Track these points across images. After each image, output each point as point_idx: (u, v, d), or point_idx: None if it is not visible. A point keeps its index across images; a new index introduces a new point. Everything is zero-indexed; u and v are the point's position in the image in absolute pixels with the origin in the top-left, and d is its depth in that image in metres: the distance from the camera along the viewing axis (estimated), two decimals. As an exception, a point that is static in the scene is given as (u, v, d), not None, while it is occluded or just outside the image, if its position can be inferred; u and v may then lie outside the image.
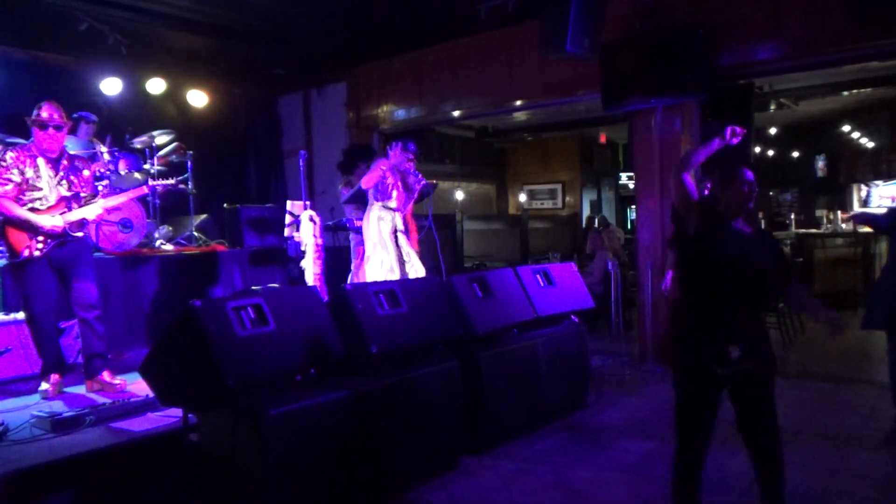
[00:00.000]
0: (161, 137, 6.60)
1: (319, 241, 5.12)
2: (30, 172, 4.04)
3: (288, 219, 5.57)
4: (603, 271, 7.12)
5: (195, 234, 6.56)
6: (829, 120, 11.56)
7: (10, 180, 3.97)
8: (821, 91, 8.67)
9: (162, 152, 6.59)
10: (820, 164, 12.80)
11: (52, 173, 4.12)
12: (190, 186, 6.48)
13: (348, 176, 5.88)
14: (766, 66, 5.63)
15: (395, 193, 5.06)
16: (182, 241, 6.45)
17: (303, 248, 5.07)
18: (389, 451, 3.24)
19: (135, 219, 5.73)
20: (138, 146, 6.52)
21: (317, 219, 5.15)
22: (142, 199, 5.99)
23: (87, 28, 6.14)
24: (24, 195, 4.03)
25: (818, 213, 11.88)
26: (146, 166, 6.37)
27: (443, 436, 3.58)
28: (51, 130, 4.06)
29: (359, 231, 5.38)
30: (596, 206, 13.40)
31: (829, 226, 11.02)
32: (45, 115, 4.04)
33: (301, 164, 5.56)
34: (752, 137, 6.37)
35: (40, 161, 4.09)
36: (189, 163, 6.49)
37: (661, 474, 3.53)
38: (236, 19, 6.62)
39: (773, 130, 11.92)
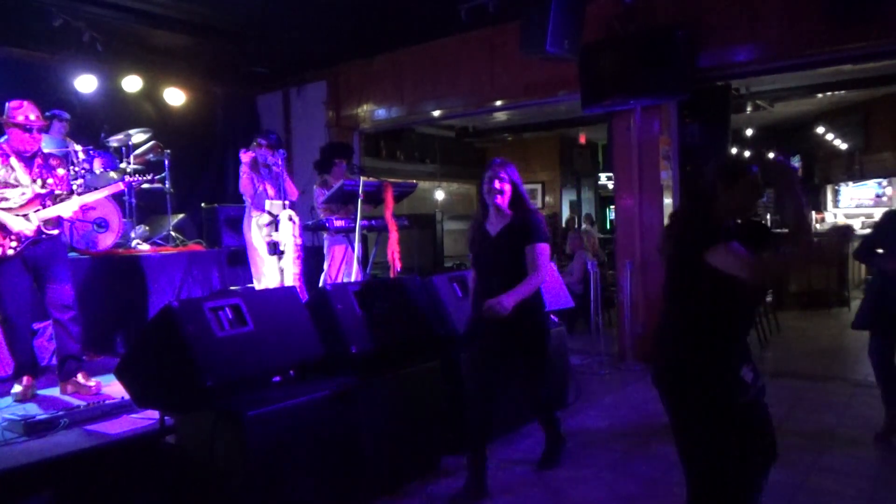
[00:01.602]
0: (137, 136, 6.51)
1: (299, 242, 5.08)
2: (1, 171, 3.97)
3: (266, 219, 5.51)
4: (582, 271, 7.16)
5: (172, 233, 6.48)
6: (803, 122, 11.77)
7: None
8: (796, 93, 8.82)
9: (138, 151, 6.50)
10: (795, 164, 13.01)
11: (26, 172, 4.05)
12: (167, 185, 6.40)
13: (324, 175, 5.84)
14: (743, 68, 5.71)
15: (266, 191, 5.26)
16: (159, 241, 6.37)
17: (282, 248, 5.03)
18: (369, 451, 3.23)
19: (110, 218, 5.65)
20: (114, 145, 6.43)
21: (296, 218, 5.11)
22: (118, 199, 5.91)
23: (62, 24, 6.03)
24: None
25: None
26: (122, 165, 6.28)
27: (423, 435, 3.58)
28: (33, 133, 4.00)
29: (338, 231, 5.35)
30: (576, 207, 13.48)
31: (804, 226, 11.18)
32: (21, 118, 3.97)
33: (280, 163, 5.51)
34: (729, 138, 6.45)
35: (13, 160, 4.02)
36: (166, 161, 6.41)
37: (639, 471, 3.57)
38: (214, 17, 6.55)
39: (749, 132, 12.10)
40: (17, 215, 3.97)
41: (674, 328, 2.31)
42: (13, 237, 3.96)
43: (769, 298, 7.21)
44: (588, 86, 5.94)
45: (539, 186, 13.18)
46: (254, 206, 5.35)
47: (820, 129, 11.77)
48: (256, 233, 5.33)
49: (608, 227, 13.10)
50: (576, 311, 5.99)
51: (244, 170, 5.35)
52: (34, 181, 4.07)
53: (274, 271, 5.06)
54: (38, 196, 4.06)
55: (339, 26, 6.93)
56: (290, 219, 5.05)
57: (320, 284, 5.67)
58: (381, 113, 8.02)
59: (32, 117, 4.00)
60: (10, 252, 3.96)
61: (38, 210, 4.03)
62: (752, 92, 8.50)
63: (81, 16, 6.11)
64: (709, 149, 6.15)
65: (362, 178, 5.03)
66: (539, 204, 13.12)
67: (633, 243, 6.12)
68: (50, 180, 4.13)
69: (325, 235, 5.64)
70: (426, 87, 7.54)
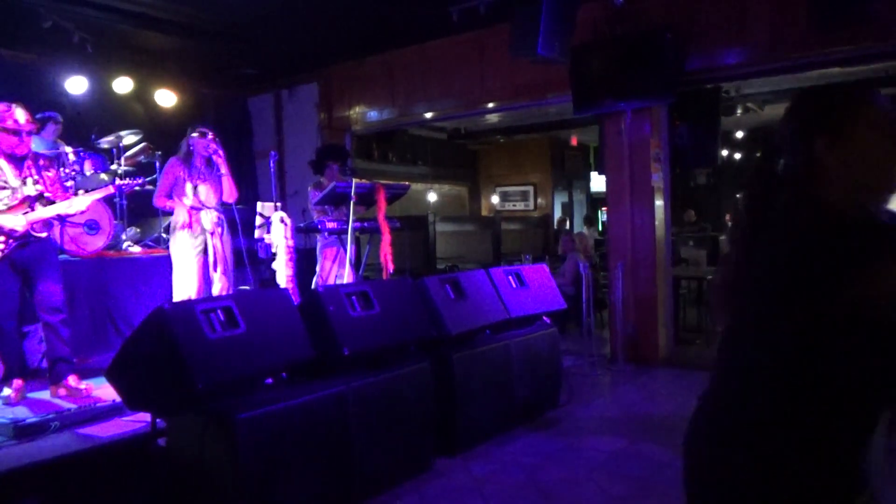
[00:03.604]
0: (128, 138, 6.49)
1: (291, 243, 5.08)
2: None
3: (258, 220, 5.51)
4: (574, 272, 7.19)
5: (163, 235, 6.45)
6: (793, 124, 11.82)
7: None
8: (786, 96, 8.88)
9: (129, 153, 6.48)
10: (785, 167, 13.08)
11: (15, 173, 4.03)
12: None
13: (319, 176, 5.85)
14: (732, 71, 5.75)
15: (193, 189, 4.89)
16: (150, 243, 6.35)
17: (274, 250, 5.03)
18: (362, 454, 3.23)
19: (101, 220, 5.62)
20: (105, 146, 6.40)
21: (288, 220, 5.10)
22: (109, 201, 5.88)
23: (52, 25, 6.00)
24: None
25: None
26: (113, 167, 6.26)
27: (415, 437, 3.58)
28: (23, 137, 3.98)
29: (330, 233, 5.35)
30: (567, 208, 13.52)
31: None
32: (10, 122, 3.94)
33: (272, 165, 5.52)
34: (719, 141, 6.49)
35: (2, 162, 4.00)
36: (157, 163, 6.39)
37: (631, 473, 3.59)
38: (205, 18, 6.53)
39: (739, 134, 12.17)
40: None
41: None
42: (1, 239, 3.94)
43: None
44: (579, 88, 5.98)
45: (531, 188, 13.22)
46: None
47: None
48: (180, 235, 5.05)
49: (600, 228, 13.16)
50: (568, 312, 6.01)
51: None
52: (24, 183, 4.05)
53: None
54: (27, 198, 4.04)
55: (331, 28, 6.93)
56: (282, 220, 5.05)
57: (312, 286, 5.67)
58: (372, 115, 8.02)
59: (22, 120, 3.98)
60: None
61: (26, 212, 4.02)
62: (743, 94, 8.56)
63: (71, 17, 6.08)
64: (699, 151, 6.20)
65: (354, 180, 5.03)
66: (531, 206, 13.16)
67: (624, 245, 6.15)
68: (39, 186, 4.11)
69: (318, 237, 5.64)
70: (418, 89, 7.55)
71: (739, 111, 9.28)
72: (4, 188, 3.98)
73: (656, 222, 6.04)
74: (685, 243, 9.46)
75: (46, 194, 4.12)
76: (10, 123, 3.94)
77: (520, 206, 13.32)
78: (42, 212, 4.06)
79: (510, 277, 4.64)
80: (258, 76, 8.47)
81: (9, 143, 3.98)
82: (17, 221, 3.97)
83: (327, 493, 3.07)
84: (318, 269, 5.67)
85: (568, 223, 12.47)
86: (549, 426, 4.40)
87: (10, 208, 3.99)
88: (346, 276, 5.29)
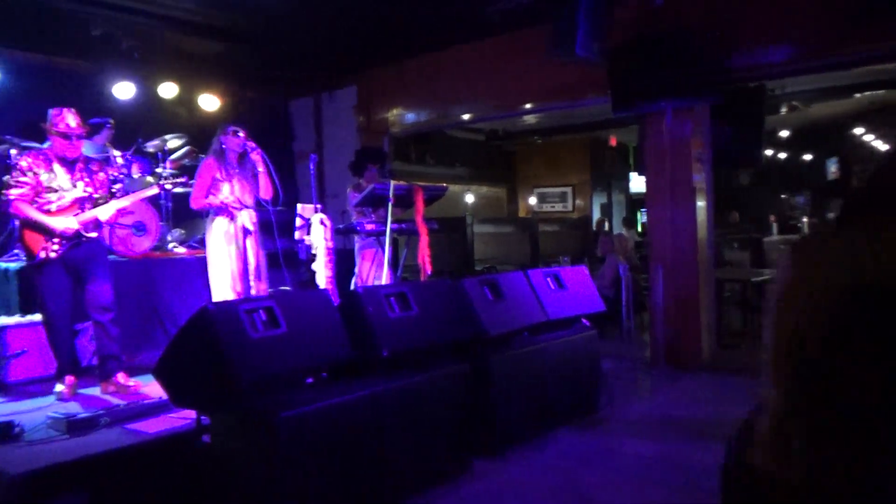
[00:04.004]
0: (173, 141, 6.66)
1: (330, 245, 5.14)
2: (44, 176, 4.10)
3: (298, 222, 5.60)
4: (613, 274, 7.11)
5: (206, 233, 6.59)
6: (842, 122, 11.50)
7: (25, 184, 4.04)
8: (833, 93, 8.63)
9: (174, 156, 6.65)
10: (832, 167, 12.72)
11: (67, 176, 4.18)
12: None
13: (358, 178, 5.91)
14: (776, 69, 5.61)
15: (227, 187, 4.87)
16: (194, 244, 6.50)
17: (313, 252, 5.10)
18: (400, 454, 3.25)
19: (148, 222, 5.79)
20: (151, 150, 6.58)
21: (327, 222, 5.17)
22: (154, 203, 6.05)
23: (101, 33, 6.21)
24: (39, 197, 4.09)
25: (830, 215, 11.81)
26: (158, 170, 6.42)
27: (453, 439, 3.59)
28: (73, 140, 4.12)
29: (369, 234, 5.40)
30: (606, 209, 13.38)
31: (842, 229, 10.93)
32: (62, 125, 4.09)
33: (312, 167, 5.59)
34: (764, 140, 6.35)
35: (56, 165, 4.15)
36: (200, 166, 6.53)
37: (671, 479, 3.53)
38: (247, 23, 6.67)
39: (784, 133, 11.88)
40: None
41: None
42: (54, 240, 4.09)
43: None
44: (618, 88, 5.91)
45: (569, 189, 13.12)
46: None
47: (858, 130, 11.51)
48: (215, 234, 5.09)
49: (640, 230, 12.98)
50: (607, 315, 5.95)
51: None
52: (74, 185, 4.19)
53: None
54: (77, 200, 4.18)
55: (370, 31, 7.00)
56: (322, 222, 5.11)
57: (351, 287, 5.73)
58: (410, 117, 8.07)
59: (73, 124, 4.13)
60: (52, 255, 4.09)
61: (77, 213, 4.15)
62: (788, 92, 8.35)
63: (120, 25, 6.28)
64: (742, 150, 6.07)
65: (392, 182, 5.06)
66: (569, 207, 13.05)
67: (665, 247, 6.05)
68: (90, 189, 4.25)
69: (356, 239, 5.69)
70: (455, 91, 7.57)
71: (784, 109, 9.06)
72: (56, 191, 4.13)
73: (698, 223, 5.93)
74: (728, 245, 9.28)
75: (96, 196, 4.26)
76: (62, 127, 4.09)
77: (558, 207, 13.23)
78: (91, 213, 4.19)
79: (548, 279, 4.62)
80: (298, 80, 8.60)
81: (61, 147, 4.13)
82: (69, 223, 4.11)
83: (365, 493, 3.10)
84: (356, 269, 5.73)
85: (607, 224, 12.34)
86: (587, 430, 4.36)
87: (62, 210, 4.13)
88: (385, 278, 5.33)
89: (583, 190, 13.07)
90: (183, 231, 6.66)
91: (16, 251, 5.46)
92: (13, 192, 4.02)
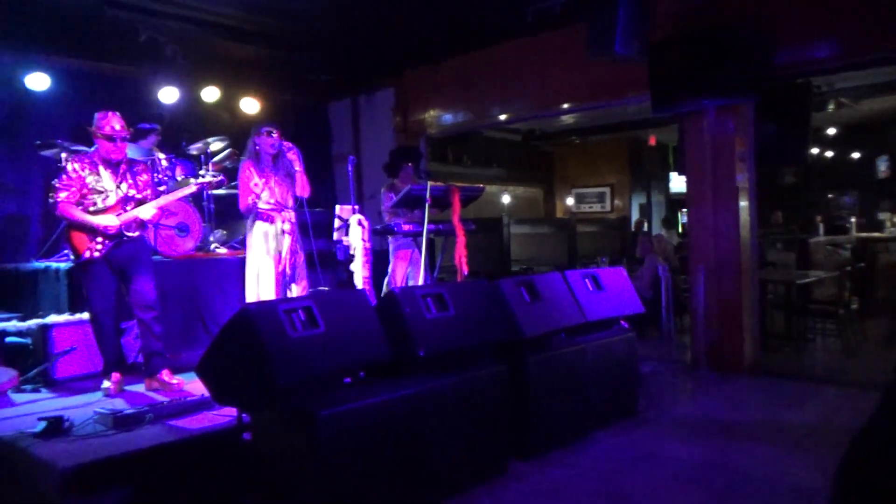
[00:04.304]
0: (215, 144, 6.80)
1: (368, 245, 5.18)
2: (91, 178, 4.23)
3: (336, 223, 5.65)
4: (653, 276, 7.00)
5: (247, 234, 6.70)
6: (892, 119, 11.11)
7: (70, 186, 4.17)
8: (883, 89, 8.35)
9: (216, 158, 6.79)
10: (882, 165, 12.30)
11: (112, 178, 4.29)
12: (243, 191, 6.64)
13: (392, 179, 5.94)
14: (823, 65, 5.45)
15: (266, 191, 4.93)
16: (235, 245, 6.62)
17: (351, 252, 5.14)
18: (437, 454, 3.25)
19: (191, 223, 5.92)
20: (194, 153, 6.73)
21: (365, 223, 5.21)
22: (197, 205, 6.18)
23: (147, 39, 6.37)
24: (85, 199, 4.22)
25: (881, 215, 11.42)
26: (201, 172, 6.56)
27: (491, 440, 3.58)
28: (118, 143, 4.24)
29: (406, 234, 5.43)
30: (646, 210, 13.19)
31: (892, 229, 10.58)
32: (108, 128, 4.22)
33: (350, 168, 5.64)
34: (810, 138, 6.18)
35: (101, 167, 4.27)
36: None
37: (713, 484, 3.46)
38: (286, 28, 6.76)
39: (831, 131, 11.54)
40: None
41: None
42: (98, 240, 4.20)
43: (854, 305, 6.86)
44: (658, 87, 5.81)
45: (607, 189, 12.98)
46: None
47: (910, 127, 11.12)
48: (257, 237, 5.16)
49: (680, 230, 12.77)
50: (646, 316, 5.86)
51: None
52: (118, 187, 4.31)
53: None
54: (120, 200, 4.29)
55: (406, 33, 7.03)
56: (360, 223, 5.15)
57: (383, 288, 5.77)
58: (447, 118, 8.08)
59: (118, 127, 4.25)
60: (96, 254, 4.21)
61: (119, 214, 4.26)
62: (836, 89, 8.12)
63: (165, 31, 6.43)
64: (787, 149, 5.92)
65: (429, 183, 5.07)
66: (608, 207, 12.91)
67: (706, 247, 5.93)
68: (132, 191, 4.35)
69: (391, 239, 5.72)
70: (492, 92, 7.55)
71: (831, 106, 8.80)
72: (101, 192, 4.25)
73: (741, 224, 5.80)
74: (772, 246, 9.06)
75: (138, 196, 4.36)
76: (107, 130, 4.22)
77: (596, 207, 13.10)
78: (133, 212, 4.29)
79: (586, 280, 4.57)
80: (337, 83, 8.69)
81: (106, 149, 4.25)
82: (111, 222, 4.22)
83: (402, 493, 3.10)
84: (389, 269, 5.76)
85: (646, 225, 12.16)
86: (626, 433, 4.29)
87: (107, 210, 4.25)
88: (422, 278, 5.34)
89: (621, 190, 12.91)
90: (224, 232, 6.79)
91: (65, 251, 5.64)
92: (60, 195, 4.16)
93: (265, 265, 4.94)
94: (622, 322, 4.74)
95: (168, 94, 7.08)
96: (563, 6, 5.88)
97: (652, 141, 12.57)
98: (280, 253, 4.94)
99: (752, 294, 5.90)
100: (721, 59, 5.40)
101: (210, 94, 7.59)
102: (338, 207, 5.81)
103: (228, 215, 7.11)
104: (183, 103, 7.28)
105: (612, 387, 4.42)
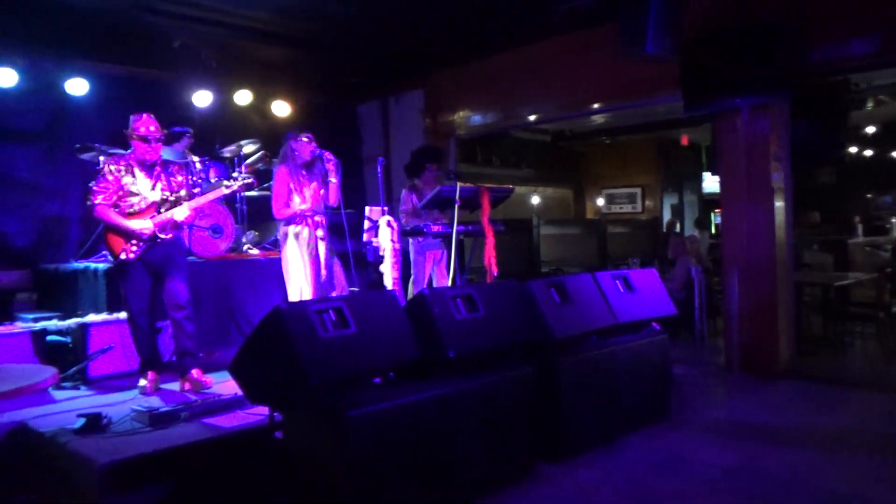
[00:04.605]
0: (248, 146, 6.90)
1: (397, 246, 5.20)
2: (127, 180, 4.31)
3: (366, 224, 5.69)
4: (685, 277, 6.91)
5: (279, 238, 6.78)
6: (935, 117, 10.79)
7: (107, 189, 4.26)
8: (925, 86, 8.11)
9: (249, 160, 6.88)
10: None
11: (147, 179, 4.38)
12: (275, 193, 6.73)
13: (413, 179, 5.95)
14: (860, 62, 5.32)
15: (299, 197, 4.99)
16: (268, 246, 6.71)
17: (381, 253, 5.16)
18: (467, 455, 3.26)
19: (224, 224, 6.01)
20: (227, 155, 6.83)
21: (394, 224, 5.23)
22: (230, 206, 6.27)
23: (181, 44, 6.49)
24: (122, 201, 4.31)
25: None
26: (234, 174, 6.65)
27: (520, 442, 3.57)
28: (152, 144, 4.32)
29: (437, 236, 5.44)
30: (677, 210, 13.02)
31: (934, 230, 10.29)
32: (143, 130, 4.31)
33: (379, 170, 5.67)
34: (847, 137, 6.03)
35: (136, 169, 4.36)
36: (274, 170, 6.73)
37: (750, 490, 3.39)
38: (317, 31, 6.83)
39: (871, 129, 11.24)
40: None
41: None
42: (133, 242, 4.29)
43: (895, 308, 6.68)
44: (690, 85, 5.73)
45: (638, 190, 12.83)
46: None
47: (954, 125, 10.78)
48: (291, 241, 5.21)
49: (713, 231, 12.57)
50: (679, 319, 5.78)
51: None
52: (153, 188, 4.39)
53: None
54: (155, 202, 4.37)
55: (435, 34, 7.05)
56: (389, 224, 5.18)
57: (409, 289, 5.78)
58: (476, 119, 8.08)
59: (152, 129, 4.34)
60: (132, 255, 4.30)
61: (153, 216, 4.35)
62: (875, 86, 7.90)
63: (199, 36, 6.55)
64: (824, 148, 5.79)
65: (459, 184, 5.07)
66: (639, 208, 12.77)
67: (741, 249, 5.83)
68: (167, 192, 4.43)
69: (411, 241, 5.73)
70: (521, 92, 7.53)
71: (870, 104, 8.58)
72: (137, 194, 4.33)
73: (776, 224, 5.69)
74: (809, 247, 8.87)
75: (172, 198, 4.44)
76: (142, 131, 4.31)
77: (627, 208, 12.97)
78: (166, 214, 4.37)
79: (617, 282, 4.53)
80: (366, 84, 8.75)
81: (141, 151, 4.34)
82: (145, 225, 4.31)
83: (430, 493, 3.11)
84: (412, 271, 5.78)
85: (678, 226, 12.00)
86: (658, 436, 4.24)
87: (141, 212, 4.33)
88: (449, 280, 5.34)
89: (652, 191, 12.76)
90: (257, 233, 6.88)
91: (103, 252, 5.78)
92: (97, 198, 4.26)
93: (304, 270, 4.98)
94: (654, 324, 4.68)
95: (202, 98, 7.20)
96: (591, 6, 5.84)
97: (684, 141, 12.40)
98: (316, 257, 5.00)
99: (788, 296, 5.78)
100: (755, 56, 5.30)
101: (242, 97, 7.70)
102: (367, 209, 5.84)
103: (260, 217, 7.20)
104: (216, 106, 7.39)
105: (643, 389, 4.37)
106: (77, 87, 6.55)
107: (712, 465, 3.74)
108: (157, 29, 6.21)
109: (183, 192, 4.51)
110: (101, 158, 5.89)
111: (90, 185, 4.38)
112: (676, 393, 4.78)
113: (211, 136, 7.08)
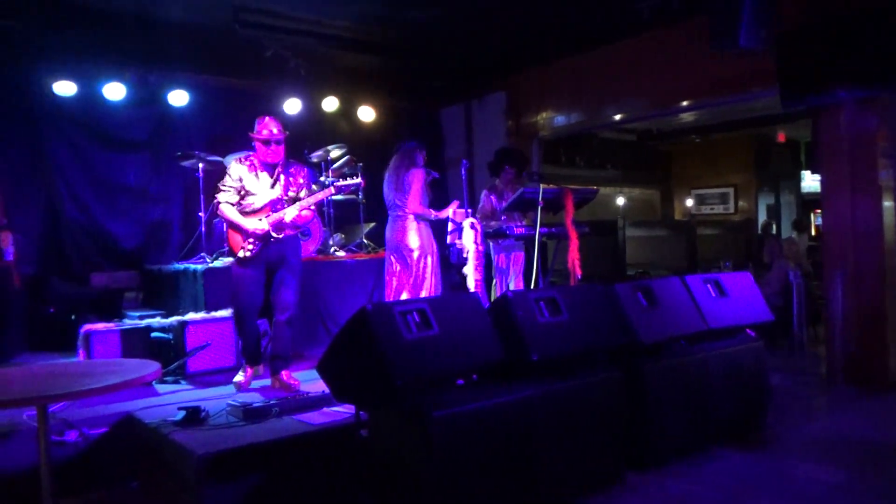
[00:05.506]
0: (335, 151, 7.11)
1: (480, 248, 5.22)
2: (249, 178, 4.50)
3: (450, 226, 5.74)
4: (782, 282, 6.55)
5: (365, 241, 6.97)
6: None
7: (231, 188, 4.46)
8: None
9: (335, 165, 7.09)
10: None
11: (268, 180, 4.54)
12: (360, 196, 6.90)
13: (493, 179, 5.97)
14: None
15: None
16: (353, 248, 6.89)
17: (465, 255, 5.19)
18: (551, 460, 3.22)
19: (313, 227, 6.21)
20: (315, 160, 7.06)
21: (478, 226, 5.25)
22: (318, 209, 6.47)
23: (272, 55, 6.77)
24: (243, 200, 4.48)
25: None
26: (322, 178, 6.88)
27: (605, 449, 3.49)
28: (272, 146, 4.49)
29: (519, 238, 5.41)
30: (773, 211, 12.39)
31: None
32: (265, 132, 4.46)
33: (463, 172, 5.70)
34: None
35: (258, 169, 4.52)
36: (359, 174, 6.89)
37: (853, 508, 3.18)
38: (400, 37, 6.96)
39: None
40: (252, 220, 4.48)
41: None
42: (249, 240, 4.47)
43: None
44: (787, 79, 5.43)
45: (731, 190, 12.31)
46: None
47: None
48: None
49: (813, 233, 11.88)
50: (775, 325, 5.49)
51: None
52: (272, 188, 4.55)
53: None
54: (272, 202, 4.51)
55: (517, 36, 7.02)
56: (472, 226, 5.20)
57: (492, 290, 5.78)
58: (560, 120, 7.98)
59: (275, 131, 4.49)
60: (248, 254, 4.46)
61: (268, 215, 4.50)
62: None
63: (288, 46, 6.80)
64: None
65: (542, 186, 5.03)
66: (731, 209, 12.24)
67: (844, 251, 5.48)
68: (285, 183, 4.54)
69: (492, 243, 5.74)
70: (606, 91, 7.38)
71: None
72: (255, 194, 4.50)
73: (885, 225, 5.31)
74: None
75: (285, 198, 4.58)
76: (264, 133, 4.48)
77: (718, 209, 12.45)
78: (278, 214, 4.49)
79: (708, 286, 4.36)
80: (449, 89, 8.81)
81: (262, 152, 4.51)
82: (260, 224, 4.46)
83: (513, 497, 3.09)
84: (494, 273, 5.78)
85: (774, 227, 11.41)
86: (752, 448, 4.04)
87: (257, 211, 4.50)
88: (533, 282, 5.30)
89: (746, 190, 12.20)
90: (343, 236, 7.08)
91: (201, 254, 6.10)
92: (220, 197, 4.47)
93: (432, 264, 5.53)
94: (748, 331, 4.47)
95: (292, 105, 7.48)
96: (677, 1, 5.65)
97: (781, 137, 11.77)
98: (435, 253, 5.56)
99: (899, 302, 5.38)
100: (859, 46, 4.96)
101: (330, 103, 7.95)
102: (451, 211, 5.89)
103: (346, 220, 7.40)
104: (305, 113, 7.66)
105: (736, 398, 4.18)
106: (178, 98, 6.95)
107: (816, 481, 3.52)
108: (251, 41, 6.50)
109: (303, 193, 4.57)
110: (201, 165, 6.22)
111: (217, 184, 4.57)
112: (774, 403, 4.53)
113: (300, 143, 7.34)
